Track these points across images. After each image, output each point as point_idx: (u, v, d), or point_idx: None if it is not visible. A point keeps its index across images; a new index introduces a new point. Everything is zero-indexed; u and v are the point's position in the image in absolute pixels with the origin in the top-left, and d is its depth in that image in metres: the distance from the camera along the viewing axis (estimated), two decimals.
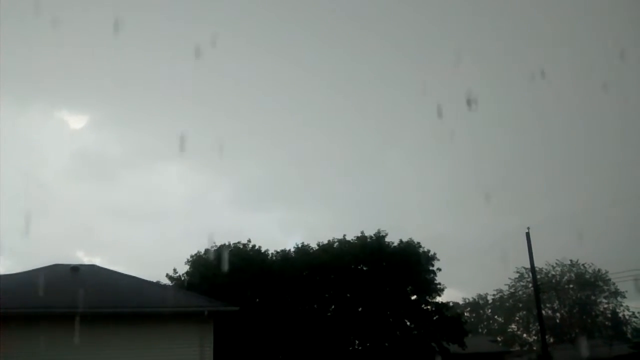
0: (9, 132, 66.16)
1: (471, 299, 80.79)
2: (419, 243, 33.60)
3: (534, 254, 33.64)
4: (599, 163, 76.73)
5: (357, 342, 32.55)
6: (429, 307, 33.23)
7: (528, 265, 36.84)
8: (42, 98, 75.43)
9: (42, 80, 68.18)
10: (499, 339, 68.89)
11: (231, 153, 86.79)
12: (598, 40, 72.89)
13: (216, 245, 33.03)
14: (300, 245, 34.41)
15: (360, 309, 32.07)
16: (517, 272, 63.16)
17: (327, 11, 69.02)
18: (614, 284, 59.83)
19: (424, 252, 33.41)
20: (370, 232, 34.07)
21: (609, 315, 63.42)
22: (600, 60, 68.78)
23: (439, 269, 33.47)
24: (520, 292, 65.89)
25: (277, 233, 78.50)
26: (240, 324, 25.89)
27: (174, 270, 32.80)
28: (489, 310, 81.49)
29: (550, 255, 61.53)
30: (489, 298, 78.27)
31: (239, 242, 33.30)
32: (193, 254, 33.11)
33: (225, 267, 29.66)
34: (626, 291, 59.02)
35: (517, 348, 67.45)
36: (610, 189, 70.47)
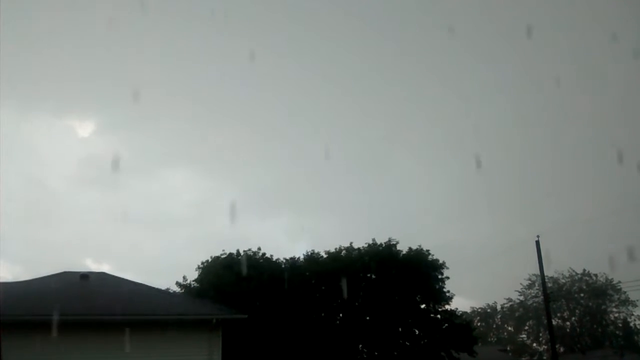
0: (15, 139, 66.53)
1: (479, 308, 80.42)
2: (428, 251, 33.53)
3: (544, 262, 33.52)
4: (610, 169, 76.22)
5: (365, 351, 32.44)
6: (438, 315, 33.08)
7: (538, 274, 36.67)
8: (49, 104, 75.88)
9: (47, 85, 68.64)
10: (508, 348, 68.51)
11: (237, 158, 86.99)
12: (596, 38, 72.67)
13: (226, 253, 33.09)
14: (309, 253, 34.41)
15: (368, 318, 31.96)
16: (528, 279, 62.98)
17: (329, 9, 69.07)
18: (624, 292, 59.48)
19: (433, 259, 33.31)
20: (378, 238, 34.03)
21: (620, 325, 62.91)
22: (602, 60, 68.65)
23: (447, 277, 33.39)
24: (530, 301, 65.57)
25: (284, 240, 78.32)
26: (249, 332, 25.87)
27: (184, 277, 32.91)
28: (499, 319, 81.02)
29: (560, 264, 61.27)
30: (499, 307, 77.96)
31: (249, 250, 33.32)
32: (203, 261, 33.17)
33: (235, 275, 29.77)
34: (637, 300, 58.65)
35: (527, 357, 67.07)
36: (621, 195, 70.07)
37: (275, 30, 71.97)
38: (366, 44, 74.04)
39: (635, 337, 62.63)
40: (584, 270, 62.82)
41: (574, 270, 62.87)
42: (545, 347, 63.98)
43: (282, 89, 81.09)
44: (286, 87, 79.89)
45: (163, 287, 28.83)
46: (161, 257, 77.90)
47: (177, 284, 32.63)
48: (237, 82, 79.23)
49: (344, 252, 33.93)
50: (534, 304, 64.27)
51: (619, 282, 58.94)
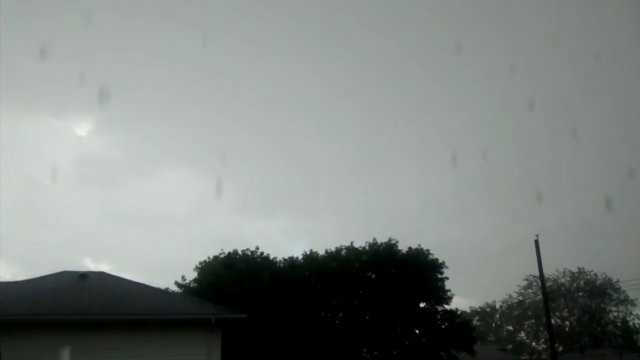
0: (13, 139, 66.45)
1: (478, 308, 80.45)
2: (428, 250, 33.52)
3: (543, 261, 33.48)
4: (609, 169, 76.26)
5: (365, 350, 32.42)
6: (437, 314, 33.07)
7: (535, 274, 36.64)
8: (48, 104, 75.72)
9: (46, 86, 68.47)
10: (509, 347, 68.53)
11: (236, 158, 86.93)
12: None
13: (224, 253, 33.06)
14: (308, 253, 34.37)
15: (368, 317, 31.94)
16: (526, 279, 62.98)
17: (330, 10, 68.95)
18: (623, 292, 59.47)
19: (432, 259, 33.28)
20: (378, 238, 34.07)
21: (619, 324, 62.89)
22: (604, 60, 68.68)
23: (447, 278, 33.38)
24: (529, 300, 65.57)
25: (282, 240, 78.62)
26: (248, 332, 25.82)
27: (183, 277, 32.83)
28: (498, 319, 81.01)
29: (559, 263, 61.32)
30: (498, 306, 77.96)
31: (247, 249, 33.31)
32: (201, 261, 33.15)
33: (234, 274, 29.71)
34: (636, 299, 58.65)
35: (526, 356, 67.04)
36: (620, 196, 69.98)
37: (275, 30, 71.96)
38: (366, 43, 74.04)
39: (635, 337, 62.61)
40: (579, 268, 62.82)
41: (569, 270, 62.86)
42: (545, 346, 63.98)
43: (281, 89, 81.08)
44: (285, 87, 79.82)
45: (162, 287, 28.78)
46: (160, 256, 78.05)
47: (176, 283, 32.57)
48: (236, 82, 79.19)
49: (343, 251, 33.89)
50: (533, 303, 64.29)
51: (618, 280, 59.00)
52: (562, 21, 67.76)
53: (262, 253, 33.34)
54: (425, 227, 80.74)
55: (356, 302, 32.14)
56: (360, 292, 31.98)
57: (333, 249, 34.11)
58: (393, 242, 33.49)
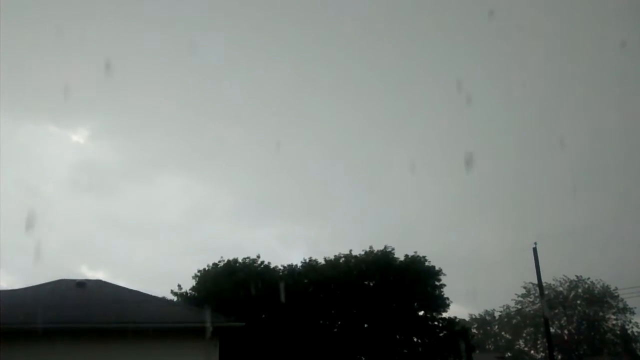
0: (9, 147, 66.41)
1: (477, 315, 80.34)
2: (425, 257, 33.49)
3: (541, 269, 33.41)
4: (609, 176, 76.36)
5: (363, 358, 32.32)
6: (435, 322, 33.01)
7: (533, 282, 36.58)
8: (43, 111, 75.64)
9: (42, 93, 68.44)
10: (507, 354, 68.38)
11: (234, 165, 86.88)
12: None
13: (224, 260, 33.00)
14: (307, 261, 34.31)
15: (366, 325, 31.88)
16: (524, 287, 62.89)
17: (327, 12, 68.98)
18: (622, 300, 59.42)
19: (429, 266, 33.27)
20: (375, 245, 34.10)
21: (618, 332, 62.76)
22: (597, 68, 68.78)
23: (444, 285, 33.35)
24: (527, 309, 65.48)
25: (281, 248, 78.26)
26: (247, 340, 25.75)
27: (179, 286, 32.70)
28: (496, 327, 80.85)
29: (557, 271, 61.22)
30: (496, 314, 77.79)
31: (247, 258, 33.24)
32: (200, 269, 33.08)
33: (233, 282, 29.67)
34: (635, 307, 58.57)
35: None
36: (619, 203, 70.10)
37: (274, 33, 72.03)
38: (364, 47, 74.16)
39: (634, 345, 62.47)
40: (577, 276, 62.75)
41: (567, 277, 62.79)
42: (543, 354, 63.83)
43: (279, 95, 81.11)
44: (283, 92, 79.71)
45: (159, 295, 28.65)
46: (157, 264, 77.78)
47: (172, 292, 32.41)
48: (234, 89, 79.25)
49: (342, 259, 33.90)
50: (531, 312, 64.24)
51: (616, 288, 58.94)
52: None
53: (262, 262, 33.31)
54: (423, 235, 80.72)
55: (354, 311, 32.08)
56: (359, 300, 31.93)
57: (332, 257, 34.13)
58: (389, 249, 33.52)
